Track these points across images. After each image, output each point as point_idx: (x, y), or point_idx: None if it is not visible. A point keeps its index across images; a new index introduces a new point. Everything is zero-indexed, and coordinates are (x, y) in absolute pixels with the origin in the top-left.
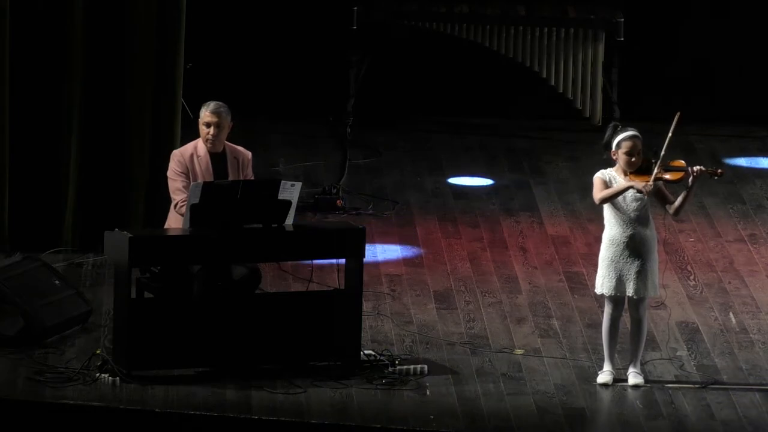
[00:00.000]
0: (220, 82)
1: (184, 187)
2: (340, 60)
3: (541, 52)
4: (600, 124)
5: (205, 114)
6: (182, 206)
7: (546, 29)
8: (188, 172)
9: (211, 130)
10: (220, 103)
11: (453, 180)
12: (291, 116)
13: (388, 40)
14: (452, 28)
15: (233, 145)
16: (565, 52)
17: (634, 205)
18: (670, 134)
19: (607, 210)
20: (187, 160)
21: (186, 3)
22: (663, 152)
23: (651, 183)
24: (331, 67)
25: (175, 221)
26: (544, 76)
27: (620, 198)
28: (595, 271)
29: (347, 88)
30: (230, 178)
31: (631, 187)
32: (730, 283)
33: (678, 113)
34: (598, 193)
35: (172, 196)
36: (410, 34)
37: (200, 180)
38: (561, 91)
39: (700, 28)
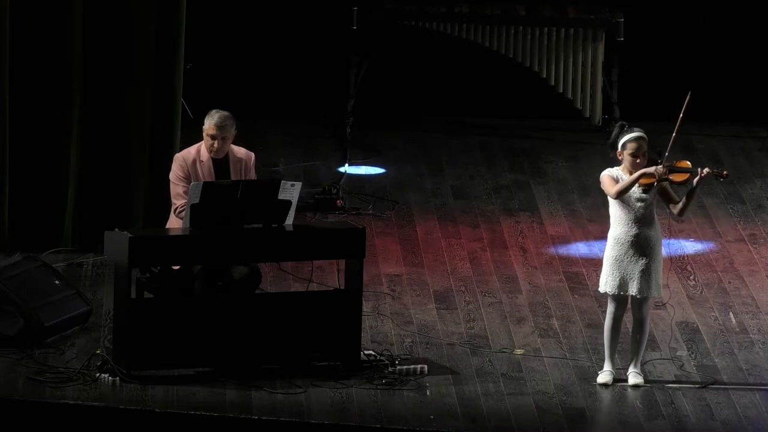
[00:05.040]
0: (221, 82)
1: (184, 192)
2: (340, 60)
3: (541, 52)
4: (600, 124)
5: (210, 126)
6: (182, 211)
7: (546, 29)
8: (190, 177)
9: (215, 143)
10: (225, 114)
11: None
12: (291, 116)
13: (388, 40)
14: (452, 28)
15: (236, 148)
16: (565, 52)
17: (639, 204)
18: (681, 115)
19: (613, 209)
20: (190, 165)
21: (186, 3)
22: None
23: (663, 166)
24: (331, 67)
25: (176, 224)
26: (544, 76)
27: (625, 197)
28: (596, 271)
29: (347, 88)
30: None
31: (644, 174)
32: (730, 283)
33: (689, 93)
34: (611, 188)
35: (173, 200)
36: (410, 34)
37: None
38: (561, 91)
39: (700, 27)
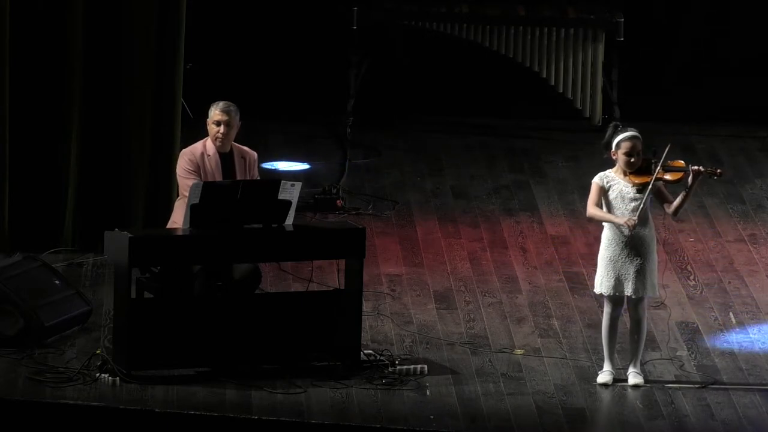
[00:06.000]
0: (221, 82)
1: None
2: (340, 60)
3: (541, 52)
4: (600, 124)
5: (215, 113)
6: None
7: (546, 29)
8: (199, 171)
9: (221, 128)
10: (229, 102)
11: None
12: (291, 116)
13: (388, 40)
14: (452, 28)
15: (240, 146)
16: (565, 52)
17: (633, 205)
18: (659, 166)
19: (606, 209)
20: (198, 158)
21: (186, 3)
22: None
23: (634, 219)
24: (331, 67)
25: (180, 217)
26: (544, 76)
27: (618, 198)
28: (595, 271)
29: (347, 88)
30: (238, 177)
31: (616, 222)
32: (730, 283)
33: (669, 144)
34: (590, 207)
35: (184, 193)
36: (410, 35)
37: (211, 178)
38: (561, 91)
39: (700, 27)
